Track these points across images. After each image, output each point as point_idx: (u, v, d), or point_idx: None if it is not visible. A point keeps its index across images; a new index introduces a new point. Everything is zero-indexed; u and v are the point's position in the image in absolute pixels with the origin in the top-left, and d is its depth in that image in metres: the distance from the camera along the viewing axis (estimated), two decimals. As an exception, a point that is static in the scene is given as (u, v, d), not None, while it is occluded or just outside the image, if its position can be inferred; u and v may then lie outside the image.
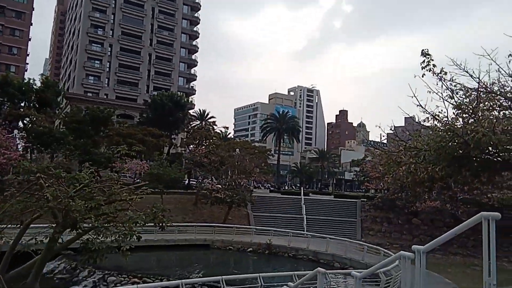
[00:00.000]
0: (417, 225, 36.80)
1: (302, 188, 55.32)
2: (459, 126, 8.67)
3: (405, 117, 9.48)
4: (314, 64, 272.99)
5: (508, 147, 8.08)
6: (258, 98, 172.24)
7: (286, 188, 75.39)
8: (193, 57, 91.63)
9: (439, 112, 9.06)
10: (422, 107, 8.55)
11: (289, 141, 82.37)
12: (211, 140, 52.48)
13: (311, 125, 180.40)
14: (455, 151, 8.91)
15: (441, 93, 9.45)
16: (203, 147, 46.22)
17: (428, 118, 8.87)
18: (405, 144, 10.37)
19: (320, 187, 77.21)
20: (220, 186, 37.05)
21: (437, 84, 9.07)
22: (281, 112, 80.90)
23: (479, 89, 9.74)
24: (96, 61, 77.77)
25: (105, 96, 74.59)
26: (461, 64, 9.57)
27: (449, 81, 9.81)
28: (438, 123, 9.01)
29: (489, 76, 9.52)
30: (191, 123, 71.03)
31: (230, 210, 37.15)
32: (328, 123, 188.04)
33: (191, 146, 48.61)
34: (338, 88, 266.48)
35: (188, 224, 33.43)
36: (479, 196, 31.05)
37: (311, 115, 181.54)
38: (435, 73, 8.97)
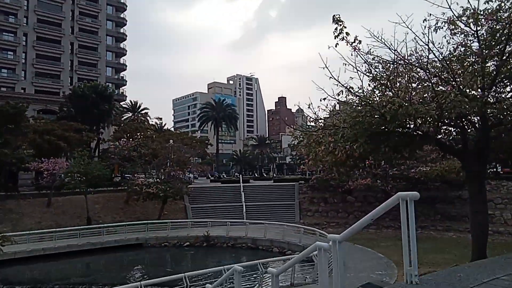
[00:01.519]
0: (351, 203, 37.86)
1: (241, 175, 54.62)
2: (376, 99, 8.02)
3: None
4: (253, 54, 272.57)
5: (426, 118, 7.55)
6: (198, 88, 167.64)
7: (230, 176, 74.55)
8: (122, 45, 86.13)
9: (357, 86, 8.34)
10: (335, 79, 7.74)
11: (228, 129, 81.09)
12: (143, 133, 49.73)
13: (252, 113, 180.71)
14: (373, 126, 8.28)
15: (359, 66, 8.74)
16: (133, 140, 43.45)
17: (342, 91, 8.10)
18: (323, 122, 9.64)
19: (261, 173, 77.27)
20: (152, 180, 34.89)
21: (351, 55, 8.31)
22: (218, 101, 79.18)
23: (397, 61, 9.16)
24: (9, 52, 69.81)
25: (22, 90, 67.38)
26: (378, 36, 8.91)
27: (367, 53, 9.16)
28: (353, 96, 8.28)
29: (406, 47, 8.96)
30: (123, 115, 66.98)
31: (164, 205, 35.28)
32: (268, 110, 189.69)
33: (122, 140, 45.38)
34: (276, 76, 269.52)
35: (117, 224, 31.14)
36: (406, 171, 32.43)
37: (251, 103, 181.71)
38: (348, 43, 8.18)
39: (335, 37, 8.17)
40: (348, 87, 8.04)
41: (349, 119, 8.12)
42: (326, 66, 7.55)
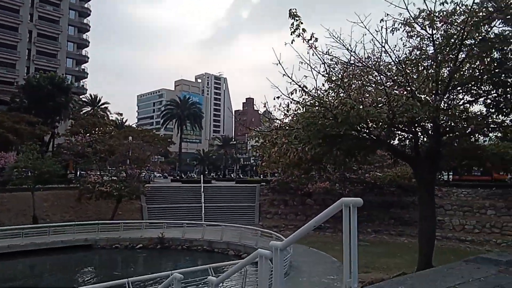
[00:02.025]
0: (310, 206, 38.05)
1: (202, 175, 53.67)
2: (329, 100, 7.72)
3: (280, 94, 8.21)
4: (223, 53, 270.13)
5: (378, 121, 7.33)
6: (166, 85, 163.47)
7: (194, 176, 73.11)
8: (84, 36, 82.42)
9: (312, 85, 7.99)
10: (288, 76, 7.36)
11: (192, 128, 79.56)
12: (101, 128, 47.56)
13: (219, 113, 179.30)
14: (326, 128, 7.97)
15: (316, 65, 8.40)
16: (90, 135, 41.41)
17: (296, 90, 7.74)
18: (278, 123, 9.26)
19: (224, 174, 76.47)
20: (106, 178, 33.28)
21: (308, 53, 7.96)
22: (183, 98, 77.45)
23: (355, 63, 8.94)
24: (-42, 37, 64.89)
25: (-29, 79, 62.74)
26: (337, 37, 8.64)
27: (325, 54, 8.87)
28: (307, 96, 7.94)
29: (364, 48, 8.76)
30: (83, 109, 63.97)
31: (119, 204, 33.74)
32: (235, 111, 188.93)
33: (80, 135, 43.09)
34: (246, 76, 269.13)
35: (65, 224, 29.34)
36: (363, 176, 32.97)
37: (219, 102, 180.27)
38: (305, 40, 7.83)
39: (292, 33, 7.81)
40: (302, 86, 7.69)
41: (302, 119, 7.77)
42: (279, 62, 7.15)
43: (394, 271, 19.72)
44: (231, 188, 47.06)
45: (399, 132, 9.75)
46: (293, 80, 7.42)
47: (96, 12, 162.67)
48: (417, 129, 9.44)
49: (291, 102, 7.81)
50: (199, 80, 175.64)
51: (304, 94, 7.81)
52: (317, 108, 7.66)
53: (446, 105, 9.48)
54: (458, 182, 35.57)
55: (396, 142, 11.34)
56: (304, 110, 7.91)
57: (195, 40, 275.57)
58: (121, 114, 64.69)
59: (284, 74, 7.27)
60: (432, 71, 8.33)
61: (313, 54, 7.89)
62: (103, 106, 64.46)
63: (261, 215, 39.20)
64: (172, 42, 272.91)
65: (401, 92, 7.27)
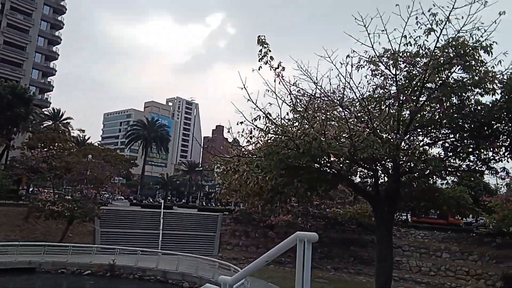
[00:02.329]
0: (272, 238, 37.37)
1: (163, 201, 52.00)
2: (293, 130, 7.60)
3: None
4: (197, 80, 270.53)
5: (339, 155, 7.25)
6: (135, 106, 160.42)
7: (156, 201, 70.52)
8: (54, 49, 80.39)
9: (277, 114, 7.85)
10: (253, 102, 7.21)
11: (158, 151, 77.63)
12: (60, 144, 45.43)
13: (188, 138, 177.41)
14: (288, 159, 7.79)
15: (282, 95, 8.34)
16: (48, 150, 39.37)
17: (260, 116, 7.57)
18: (239, 150, 9.02)
19: (187, 201, 74.57)
20: (59, 197, 31.40)
21: (274, 81, 7.89)
22: (151, 120, 75.96)
23: (321, 97, 8.98)
24: None
25: None
26: (306, 70, 8.68)
27: (293, 84, 8.87)
28: (271, 124, 7.78)
29: (330, 83, 8.83)
30: (44, 123, 61.27)
31: (70, 226, 31.73)
32: (204, 137, 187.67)
33: (37, 149, 40.79)
34: (218, 104, 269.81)
35: (7, 244, 27.09)
36: (325, 211, 33.03)
37: (189, 127, 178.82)
38: (272, 68, 7.78)
39: (259, 59, 7.74)
40: (266, 113, 7.54)
41: (264, 148, 7.57)
42: (244, 87, 6.99)
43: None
44: (192, 215, 45.70)
45: (360, 168, 9.77)
46: (257, 106, 7.27)
47: (70, 26, 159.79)
48: (377, 167, 9.50)
49: (254, 129, 7.63)
50: (170, 104, 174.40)
51: (268, 121, 7.65)
52: (280, 137, 7.50)
53: (406, 145, 9.64)
54: (416, 223, 36.36)
55: (358, 179, 11.38)
56: (266, 137, 7.73)
57: (169, 65, 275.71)
58: (83, 131, 62.34)
59: (248, 99, 7.12)
60: (394, 111, 8.48)
61: (279, 83, 7.82)
62: (65, 121, 62.01)
63: (221, 245, 38.07)
64: (146, 64, 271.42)
65: (363, 128, 7.29)
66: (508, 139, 9.56)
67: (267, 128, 7.70)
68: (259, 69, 7.64)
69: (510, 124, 9.19)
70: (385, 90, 8.75)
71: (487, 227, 30.50)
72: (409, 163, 8.99)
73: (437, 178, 10.92)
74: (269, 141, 7.70)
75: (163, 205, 49.33)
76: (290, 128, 7.67)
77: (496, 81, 8.19)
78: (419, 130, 9.90)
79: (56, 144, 44.86)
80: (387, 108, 8.46)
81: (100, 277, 26.27)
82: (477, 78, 7.97)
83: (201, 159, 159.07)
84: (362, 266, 31.97)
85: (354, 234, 34.95)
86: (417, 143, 10.01)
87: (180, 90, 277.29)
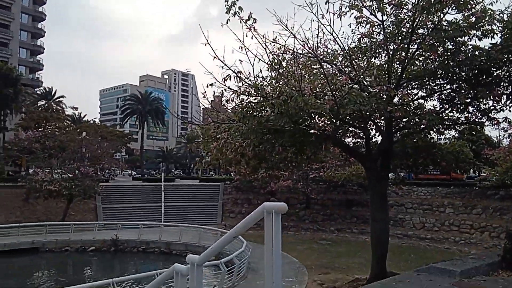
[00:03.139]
0: (275, 205, 37.45)
1: (163, 173, 51.89)
2: (268, 89, 6.84)
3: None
4: (191, 50, 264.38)
5: (320, 113, 6.52)
6: (131, 81, 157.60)
7: (157, 174, 70.63)
8: (40, 26, 77.92)
9: (255, 74, 7.01)
10: (220, 60, 6.39)
11: (155, 125, 76.77)
12: (54, 123, 44.85)
13: (187, 110, 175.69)
14: (267, 121, 7.09)
15: (260, 51, 7.48)
16: (42, 130, 38.85)
17: (230, 76, 6.78)
18: (217, 115, 8.32)
19: (189, 172, 74.63)
20: (57, 176, 31.13)
21: (246, 36, 7.02)
22: (145, 93, 74.54)
23: (303, 53, 8.11)
24: None
25: None
26: (287, 25, 7.76)
27: (273, 41, 7.98)
28: (242, 84, 7.00)
29: (312, 37, 7.93)
30: (38, 103, 60.33)
31: (70, 204, 31.69)
32: (203, 108, 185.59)
33: (32, 129, 40.22)
34: (215, 74, 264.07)
35: (9, 226, 27.06)
36: (324, 174, 32.68)
37: (187, 99, 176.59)
38: (242, 20, 6.90)
39: (227, 11, 6.85)
40: (236, 72, 6.74)
41: (239, 111, 6.85)
42: (208, 43, 6.17)
43: (354, 271, 19.37)
44: (194, 186, 45.68)
45: (350, 128, 9.07)
46: (224, 64, 6.44)
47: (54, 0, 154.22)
48: (367, 125, 8.80)
49: (225, 90, 6.88)
50: (166, 77, 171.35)
51: (239, 81, 6.86)
52: (254, 98, 6.77)
53: (399, 99, 8.88)
54: (418, 181, 36.04)
55: (350, 140, 10.72)
56: (239, 99, 7.01)
57: (163, 36, 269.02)
58: (76, 108, 61.17)
59: (214, 57, 6.31)
60: (383, 62, 7.66)
61: (252, 37, 6.97)
62: (57, 100, 60.96)
63: (224, 214, 38.19)
64: (139, 36, 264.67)
65: (345, 80, 6.52)
66: (510, 87, 8.76)
67: (240, 89, 6.95)
68: (227, 23, 6.77)
69: (511, 70, 8.37)
70: (372, 39, 7.87)
71: (489, 180, 30.08)
72: (402, 119, 8.27)
73: (434, 133, 10.26)
74: (243, 103, 6.97)
75: (165, 177, 49.22)
76: (265, 87, 6.91)
77: (495, 21, 7.28)
78: (412, 82, 9.09)
79: (50, 123, 44.33)
80: (375, 59, 7.63)
81: (104, 252, 26.39)
82: (473, 18, 7.07)
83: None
84: (365, 225, 31.96)
85: (355, 194, 34.80)
86: (411, 97, 9.22)
87: (176, 62, 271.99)
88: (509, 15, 7.28)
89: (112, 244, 26.74)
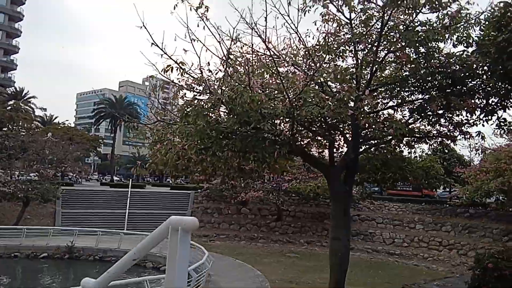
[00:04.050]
0: (245, 215, 36.43)
1: (131, 179, 50.04)
2: (216, 84, 5.94)
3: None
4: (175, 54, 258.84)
5: (272, 114, 5.66)
6: (112, 86, 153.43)
7: (122, 180, 68.26)
8: (16, 25, 75.32)
9: (199, 66, 6.05)
10: (158, 46, 5.44)
11: (128, 130, 74.17)
12: (20, 123, 42.68)
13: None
14: (217, 122, 6.17)
15: (214, 42, 6.58)
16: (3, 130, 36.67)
17: (171, 67, 5.84)
18: (164, 113, 7.35)
19: (160, 179, 72.60)
20: (15, 178, 29.20)
21: (198, 26, 6.14)
22: (119, 98, 72.61)
23: (265, 53, 7.27)
24: None
25: None
26: (251, 22, 6.90)
27: (234, 40, 7.11)
28: (187, 76, 6.06)
29: (277, 36, 7.12)
30: (8, 102, 57.58)
31: (26, 208, 29.69)
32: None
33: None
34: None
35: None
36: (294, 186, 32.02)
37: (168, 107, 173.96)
38: (192, 7, 6.02)
39: (173, -5, 5.94)
40: (179, 62, 5.79)
41: (181, 109, 5.92)
42: (144, 25, 5.23)
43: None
44: (164, 194, 44.12)
45: (312, 134, 8.24)
46: (163, 51, 5.48)
47: (35, 2, 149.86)
48: (331, 134, 8.02)
49: (168, 84, 5.92)
50: (147, 83, 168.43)
51: (182, 73, 5.92)
52: (200, 94, 5.86)
53: (365, 106, 8.16)
54: (390, 196, 35.90)
55: (315, 149, 9.93)
56: (181, 95, 6.07)
57: (143, 42, 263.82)
58: (45, 109, 58.60)
59: (152, 43, 5.38)
60: (350, 66, 6.92)
61: (204, 28, 6.07)
62: (27, 100, 58.38)
63: (192, 223, 36.73)
64: (122, 42, 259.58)
65: (301, 78, 5.72)
66: (484, 100, 8.20)
67: (184, 83, 6.02)
68: (174, 8, 5.87)
69: (487, 81, 7.81)
70: (338, 38, 7.12)
71: (459, 198, 30.17)
72: (368, 128, 7.54)
73: (404, 147, 9.62)
74: (185, 98, 6.06)
75: (134, 184, 47.38)
76: (211, 82, 6.00)
77: (472, 25, 6.68)
78: (382, 89, 8.41)
79: (16, 123, 42.17)
80: (342, 62, 6.92)
81: (57, 259, 24.64)
82: (447, 19, 6.44)
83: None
84: (335, 240, 31.42)
85: (328, 208, 34.17)
86: (379, 101, 8.54)
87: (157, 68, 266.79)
88: (487, 17, 6.69)
89: (67, 251, 25.00)
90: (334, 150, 9.25)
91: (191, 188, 45.70)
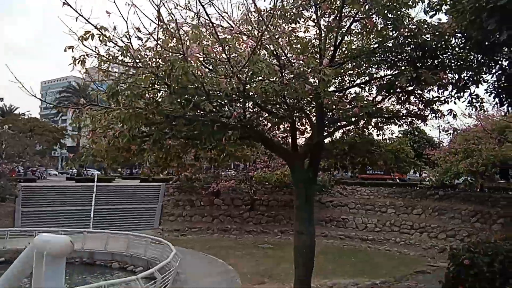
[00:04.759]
0: (218, 206, 35.49)
1: (96, 173, 47.96)
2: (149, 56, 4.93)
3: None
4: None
5: (216, 90, 4.73)
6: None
7: (92, 173, 65.37)
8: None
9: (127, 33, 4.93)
10: (70, 6, 4.35)
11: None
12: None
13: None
14: (158, 104, 5.17)
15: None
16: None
17: (92, 34, 4.72)
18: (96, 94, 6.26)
19: (131, 172, 70.31)
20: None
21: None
22: (83, 85, 68.99)
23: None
24: None
25: None
26: None
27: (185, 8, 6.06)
28: (112, 45, 5.00)
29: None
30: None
31: (-21, 208, 27.58)
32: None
33: None
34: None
35: None
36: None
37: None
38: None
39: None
40: (100, 28, 4.72)
41: (109, 87, 4.88)
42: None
43: (291, 279, 18.01)
44: (133, 187, 42.41)
45: (271, 116, 7.35)
46: (78, 13, 4.37)
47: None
48: (293, 115, 7.18)
49: (88, 55, 4.87)
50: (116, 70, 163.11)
51: (104, 41, 4.86)
52: (127, 67, 4.85)
53: (334, 86, 7.36)
54: (362, 180, 35.93)
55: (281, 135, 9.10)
56: (104, 67, 5.03)
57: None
58: (1, 99, 54.85)
59: (64, 3, 4.28)
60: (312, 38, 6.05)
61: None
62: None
63: (163, 217, 35.45)
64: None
65: (247, 45, 4.83)
66: (456, 75, 7.57)
67: (108, 54, 4.98)
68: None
69: (461, 53, 7.16)
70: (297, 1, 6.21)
71: (429, 181, 30.47)
72: (333, 107, 6.76)
73: (372, 129, 8.96)
74: (110, 74, 5.03)
75: (102, 177, 45.40)
76: (141, 53, 4.97)
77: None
78: (348, 67, 7.62)
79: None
80: (300, 28, 6.04)
81: (15, 264, 22.98)
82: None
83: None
84: (309, 227, 31.10)
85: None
86: (348, 84, 7.77)
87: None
88: None
89: (26, 254, 23.38)
90: (299, 134, 8.51)
91: (162, 180, 44.25)
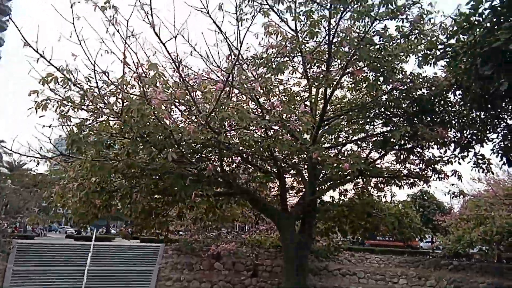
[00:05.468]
0: (219, 271, 33.44)
1: (95, 231, 46.55)
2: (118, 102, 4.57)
3: None
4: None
5: (185, 140, 4.28)
6: None
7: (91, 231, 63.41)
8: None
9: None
10: (30, 46, 4.02)
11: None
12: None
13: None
14: (127, 155, 4.71)
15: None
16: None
17: (54, 77, 4.37)
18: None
19: (132, 231, 68.39)
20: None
21: (107, 32, 4.87)
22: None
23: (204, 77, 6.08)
24: None
25: None
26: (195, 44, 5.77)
27: (178, 62, 5.90)
28: (76, 89, 4.65)
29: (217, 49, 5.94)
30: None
31: (-32, 265, 26.38)
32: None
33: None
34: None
35: None
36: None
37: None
38: (97, 6, 4.81)
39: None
40: (63, 70, 4.39)
41: (68, 135, 4.46)
42: (10, 19, 3.96)
43: None
44: (131, 247, 40.69)
45: (255, 170, 6.79)
46: (40, 55, 4.07)
47: None
48: (281, 170, 6.62)
49: (49, 100, 4.48)
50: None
51: (68, 84, 4.51)
52: (91, 114, 4.47)
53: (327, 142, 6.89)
54: (372, 247, 34.10)
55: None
56: (63, 113, 4.64)
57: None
58: (10, 154, 55.27)
59: (25, 43, 4.01)
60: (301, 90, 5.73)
61: (114, 34, 4.80)
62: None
63: (159, 281, 33.46)
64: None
65: (218, 86, 4.43)
66: (458, 133, 7.05)
67: (69, 99, 4.62)
68: (71, 7, 4.62)
69: (462, 110, 6.71)
70: (279, 50, 5.94)
71: (443, 249, 28.68)
72: (322, 163, 6.19)
73: (372, 189, 8.29)
74: (72, 119, 4.63)
75: (99, 236, 43.88)
76: (106, 95, 4.61)
77: (438, 31, 5.66)
78: (343, 123, 7.20)
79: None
80: (292, 87, 5.73)
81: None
82: (407, 25, 5.40)
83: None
84: (313, 297, 28.84)
85: (310, 262, 31.97)
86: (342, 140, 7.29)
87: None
88: (453, 22, 5.64)
89: (8, 319, 21.80)
90: (290, 191, 7.87)
91: (162, 241, 42.59)
